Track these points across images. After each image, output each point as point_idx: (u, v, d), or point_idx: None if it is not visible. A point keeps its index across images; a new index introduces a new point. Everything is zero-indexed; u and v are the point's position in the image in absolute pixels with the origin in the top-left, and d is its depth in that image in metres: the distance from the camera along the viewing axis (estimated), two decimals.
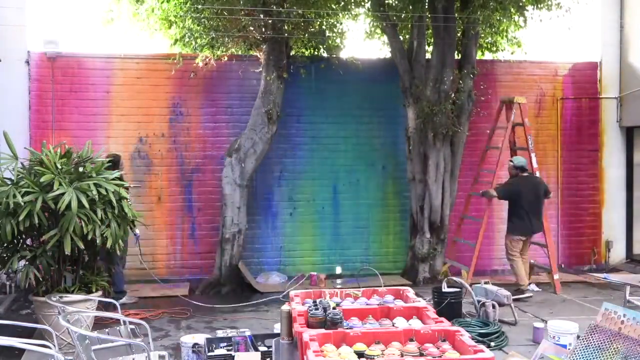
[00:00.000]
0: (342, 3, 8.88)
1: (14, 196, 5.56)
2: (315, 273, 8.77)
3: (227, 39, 8.19)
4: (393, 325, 3.57)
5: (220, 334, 5.28)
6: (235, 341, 4.91)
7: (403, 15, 8.61)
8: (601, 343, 3.64)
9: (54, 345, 3.59)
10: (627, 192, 10.17)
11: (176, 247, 9.11)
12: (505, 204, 8.35)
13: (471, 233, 9.77)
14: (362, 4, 9.17)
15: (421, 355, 3.10)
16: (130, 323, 4.79)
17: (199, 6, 7.92)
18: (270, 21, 8.11)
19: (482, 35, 9.35)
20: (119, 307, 5.06)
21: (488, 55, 9.98)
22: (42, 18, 9.04)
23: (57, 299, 5.21)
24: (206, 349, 4.83)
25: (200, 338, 5.13)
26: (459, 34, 9.00)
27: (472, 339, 3.32)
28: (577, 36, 9.62)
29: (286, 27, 8.22)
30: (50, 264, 5.88)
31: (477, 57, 9.28)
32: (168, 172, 9.08)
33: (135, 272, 8.91)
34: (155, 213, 8.96)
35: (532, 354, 4.67)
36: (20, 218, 5.54)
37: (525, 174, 8.05)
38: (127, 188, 6.60)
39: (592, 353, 3.65)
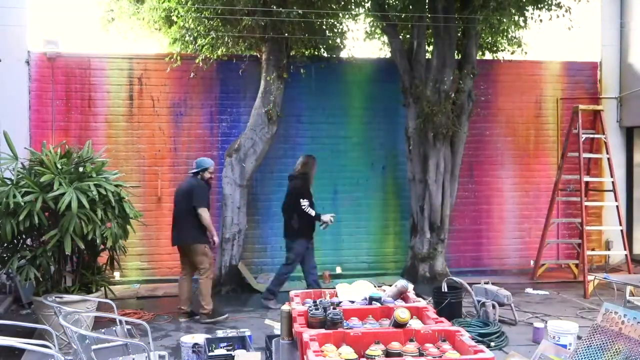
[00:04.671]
0: (342, 3, 8.88)
1: (14, 196, 5.57)
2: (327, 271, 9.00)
3: (227, 39, 8.19)
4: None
5: (220, 334, 5.28)
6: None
7: (403, 15, 8.60)
8: (603, 343, 3.64)
9: (54, 345, 3.59)
10: (627, 192, 10.17)
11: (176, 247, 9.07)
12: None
13: (470, 233, 9.81)
14: (362, 4, 9.16)
15: (421, 355, 3.10)
16: (130, 323, 4.78)
17: (199, 6, 7.92)
18: (270, 21, 8.10)
19: (482, 35, 9.34)
20: (114, 306, 5.02)
21: (488, 55, 9.98)
22: (42, 18, 9.04)
23: (54, 299, 5.20)
24: (206, 349, 4.83)
25: (200, 338, 5.13)
26: (459, 34, 9.00)
27: (472, 339, 3.31)
28: (577, 36, 9.62)
29: (286, 27, 8.21)
30: (50, 264, 5.88)
31: (477, 57, 9.28)
32: (168, 172, 9.07)
33: (135, 272, 8.93)
34: (155, 213, 8.95)
35: (532, 354, 4.67)
36: (20, 218, 5.54)
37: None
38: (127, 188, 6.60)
39: (594, 353, 3.65)
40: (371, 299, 3.90)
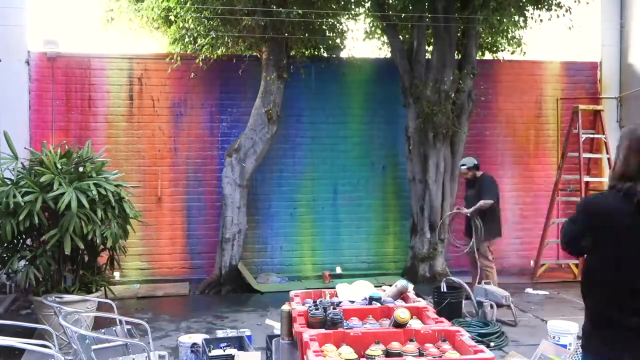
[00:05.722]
0: (342, 3, 8.88)
1: (14, 196, 5.57)
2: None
3: (227, 39, 8.19)
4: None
5: (220, 334, 5.27)
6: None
7: (403, 15, 8.60)
8: None
9: (54, 345, 3.59)
10: None
11: (176, 247, 9.10)
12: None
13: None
14: (362, 4, 9.17)
15: (421, 355, 3.10)
16: (129, 323, 4.78)
17: (199, 6, 7.92)
18: (270, 21, 8.10)
19: (482, 35, 9.34)
20: (114, 306, 5.02)
21: (488, 55, 9.98)
22: (42, 18, 9.04)
23: (54, 299, 5.20)
24: (205, 349, 4.82)
25: (198, 338, 5.12)
26: (459, 34, 9.00)
27: (472, 339, 3.31)
28: (577, 36, 9.62)
29: (286, 27, 8.21)
30: (50, 264, 5.88)
31: (477, 57, 9.28)
32: (168, 172, 9.07)
33: (135, 271, 8.93)
34: (155, 213, 8.96)
35: (532, 354, 4.67)
36: (20, 218, 5.54)
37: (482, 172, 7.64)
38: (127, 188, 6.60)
39: None
40: (371, 299, 3.90)
